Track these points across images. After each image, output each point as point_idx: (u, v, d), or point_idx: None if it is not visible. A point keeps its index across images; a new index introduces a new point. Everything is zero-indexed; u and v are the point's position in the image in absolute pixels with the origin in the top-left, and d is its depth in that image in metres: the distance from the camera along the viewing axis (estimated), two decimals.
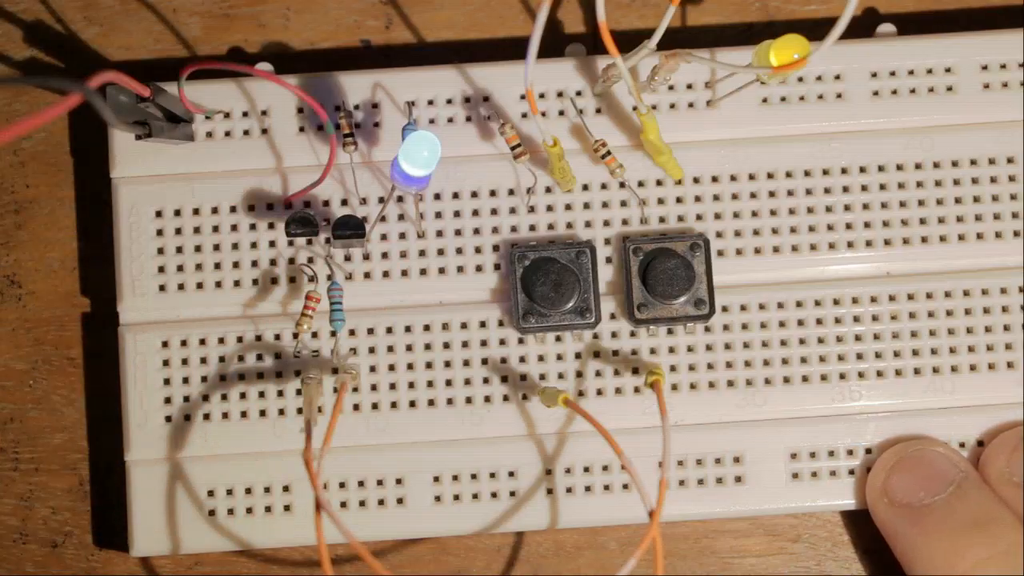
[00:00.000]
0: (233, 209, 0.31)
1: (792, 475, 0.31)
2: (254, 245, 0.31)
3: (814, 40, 0.26)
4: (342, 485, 0.31)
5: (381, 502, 0.31)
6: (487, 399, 0.31)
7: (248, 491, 0.31)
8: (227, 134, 0.32)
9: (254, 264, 0.31)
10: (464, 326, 0.31)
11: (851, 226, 0.31)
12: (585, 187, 0.31)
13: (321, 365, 0.31)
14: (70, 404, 0.33)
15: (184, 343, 0.31)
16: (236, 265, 0.31)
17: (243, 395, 0.31)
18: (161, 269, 0.31)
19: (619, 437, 0.28)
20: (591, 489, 0.31)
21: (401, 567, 0.32)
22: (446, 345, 0.31)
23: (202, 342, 0.31)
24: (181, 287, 0.31)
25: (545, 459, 0.31)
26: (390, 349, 0.31)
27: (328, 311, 0.30)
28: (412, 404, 0.31)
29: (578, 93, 0.32)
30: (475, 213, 0.31)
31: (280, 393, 0.31)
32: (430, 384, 0.31)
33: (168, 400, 0.31)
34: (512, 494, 0.31)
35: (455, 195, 0.31)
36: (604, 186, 0.31)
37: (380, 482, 0.31)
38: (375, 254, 0.31)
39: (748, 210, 0.31)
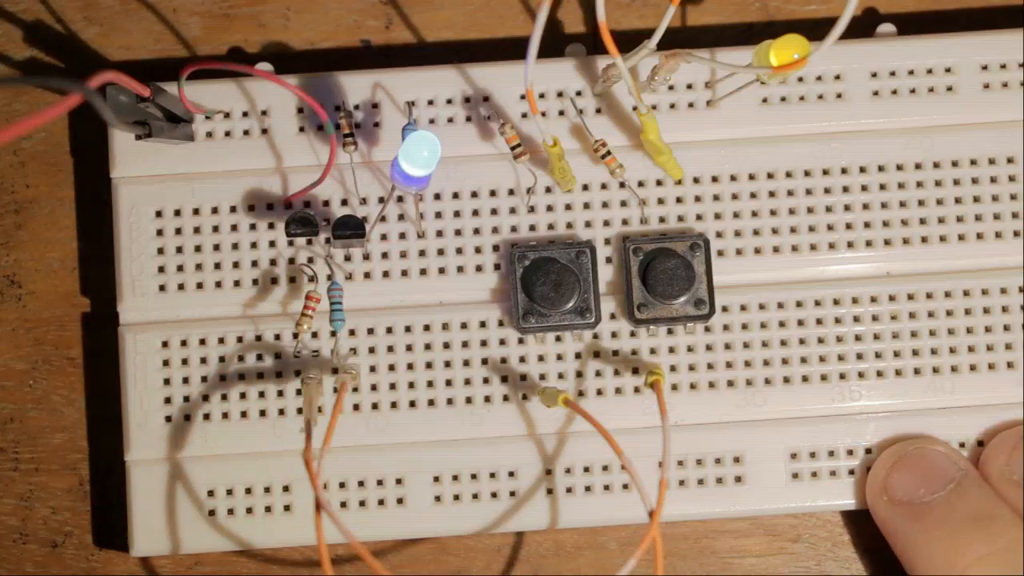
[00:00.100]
0: (233, 209, 0.31)
1: (792, 475, 0.31)
2: (254, 245, 0.31)
3: (814, 40, 0.26)
4: (342, 485, 0.31)
5: (381, 502, 0.31)
6: (487, 399, 0.31)
7: (248, 491, 0.31)
8: (227, 134, 0.32)
9: (254, 264, 0.31)
10: (464, 326, 0.31)
11: (851, 226, 0.31)
12: (585, 187, 0.31)
13: (321, 365, 0.31)
14: (70, 404, 0.33)
15: (184, 343, 0.31)
16: (236, 265, 0.31)
17: (243, 395, 0.31)
18: (161, 269, 0.31)
19: (619, 437, 0.28)
20: (591, 489, 0.31)
21: (401, 567, 0.32)
22: (446, 345, 0.31)
23: (202, 342, 0.31)
24: (181, 287, 0.31)
25: (545, 459, 0.31)
26: (390, 349, 0.31)
27: (328, 311, 0.30)
28: (412, 404, 0.31)
29: (578, 93, 0.32)
30: (475, 213, 0.31)
31: (280, 393, 0.31)
32: (430, 384, 0.31)
33: (168, 400, 0.31)
34: (512, 494, 0.31)
35: (455, 195, 0.31)
36: (604, 186, 0.31)
37: (380, 482, 0.31)
38: (375, 254, 0.31)
39: (748, 210, 0.31)
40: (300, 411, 0.31)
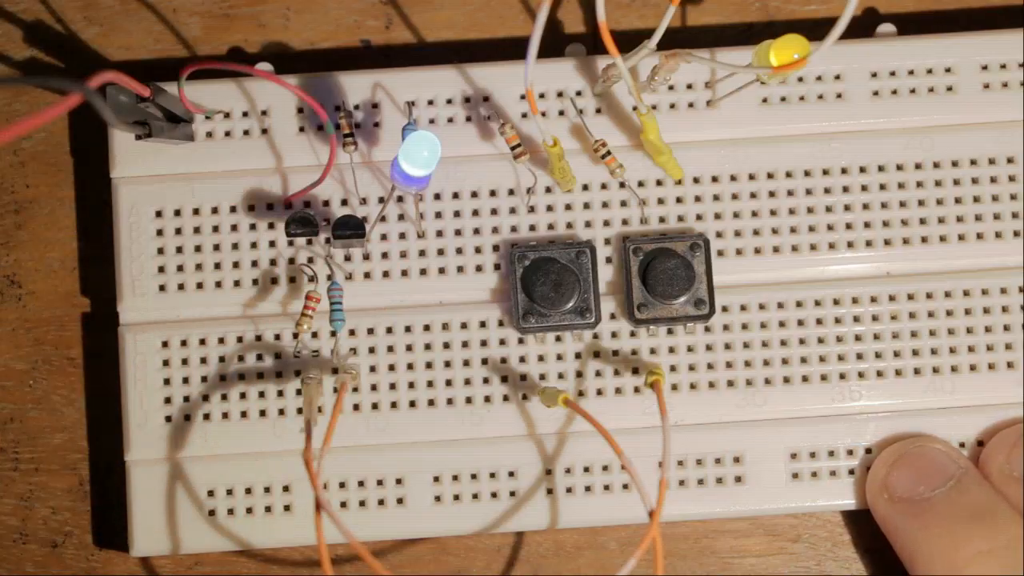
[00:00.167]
0: (233, 209, 0.31)
1: (792, 475, 0.31)
2: (254, 245, 0.31)
3: (814, 40, 0.26)
4: (342, 485, 0.31)
5: (381, 502, 0.31)
6: (487, 399, 0.31)
7: (248, 491, 0.31)
8: (227, 134, 0.32)
9: (254, 264, 0.31)
10: (464, 326, 0.31)
11: (851, 226, 0.31)
12: (585, 187, 0.31)
13: (321, 365, 0.31)
14: (70, 404, 0.33)
15: (184, 343, 0.31)
16: (236, 265, 0.31)
17: (243, 395, 0.31)
18: (161, 269, 0.31)
19: (619, 437, 0.28)
20: (591, 489, 0.31)
21: (401, 567, 0.32)
22: (446, 345, 0.31)
23: (202, 342, 0.31)
24: (181, 287, 0.31)
25: (545, 459, 0.31)
26: (390, 349, 0.31)
27: (328, 311, 0.30)
28: (412, 404, 0.31)
29: (578, 93, 0.32)
30: (475, 213, 0.31)
31: (280, 393, 0.31)
32: (430, 384, 0.31)
33: (168, 400, 0.31)
34: (512, 494, 0.31)
35: (455, 195, 0.31)
36: (604, 186, 0.31)
37: (380, 482, 0.31)
38: (375, 254, 0.31)
39: (748, 210, 0.31)
40: (300, 411, 0.31)
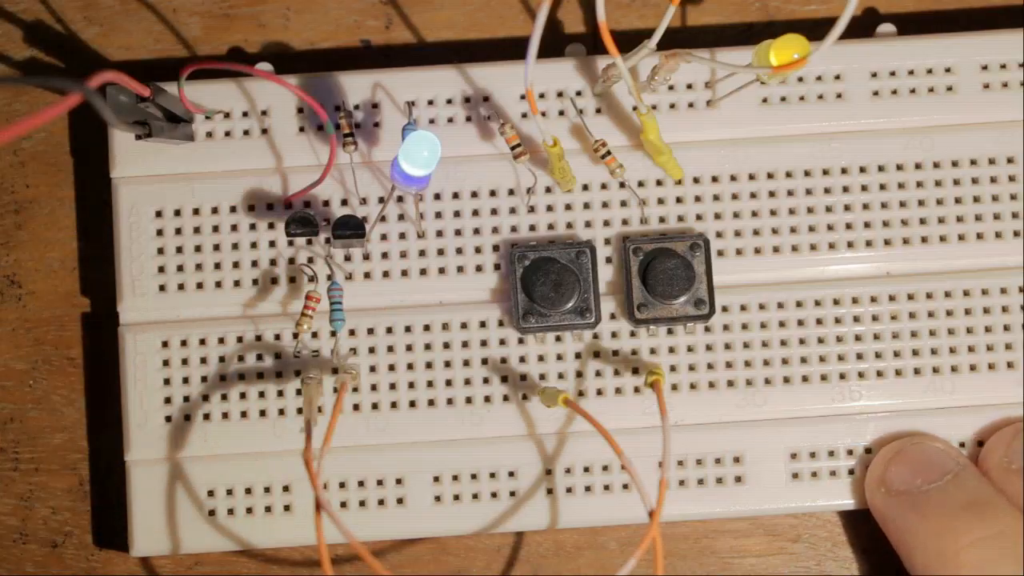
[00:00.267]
0: (233, 209, 0.31)
1: (792, 475, 0.31)
2: (254, 245, 0.31)
3: (814, 40, 0.26)
4: (342, 485, 0.31)
5: (381, 502, 0.31)
6: (487, 399, 0.31)
7: (248, 491, 0.31)
8: (227, 134, 0.32)
9: (254, 264, 0.31)
10: (464, 326, 0.31)
11: (851, 226, 0.31)
12: (585, 187, 0.31)
13: (321, 365, 0.31)
14: (70, 404, 0.33)
15: (184, 343, 0.31)
16: (236, 265, 0.31)
17: (243, 395, 0.31)
18: (161, 269, 0.31)
19: (619, 437, 0.28)
20: (591, 489, 0.31)
21: (401, 567, 0.32)
22: (446, 345, 0.31)
23: (202, 342, 0.31)
24: (181, 287, 0.31)
25: (545, 459, 0.31)
26: (390, 349, 0.31)
27: (328, 311, 0.30)
28: (412, 404, 0.31)
29: (578, 93, 0.32)
30: (475, 213, 0.31)
31: (280, 393, 0.31)
32: (430, 384, 0.31)
33: (168, 400, 0.31)
34: (512, 494, 0.31)
35: (455, 195, 0.31)
36: (604, 186, 0.31)
37: (380, 482, 0.31)
38: (375, 254, 0.31)
39: (748, 210, 0.31)
40: (300, 411, 0.31)
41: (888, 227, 0.31)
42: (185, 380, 0.31)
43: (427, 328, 0.31)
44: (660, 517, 0.27)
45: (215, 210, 0.31)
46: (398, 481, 0.31)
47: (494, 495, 0.31)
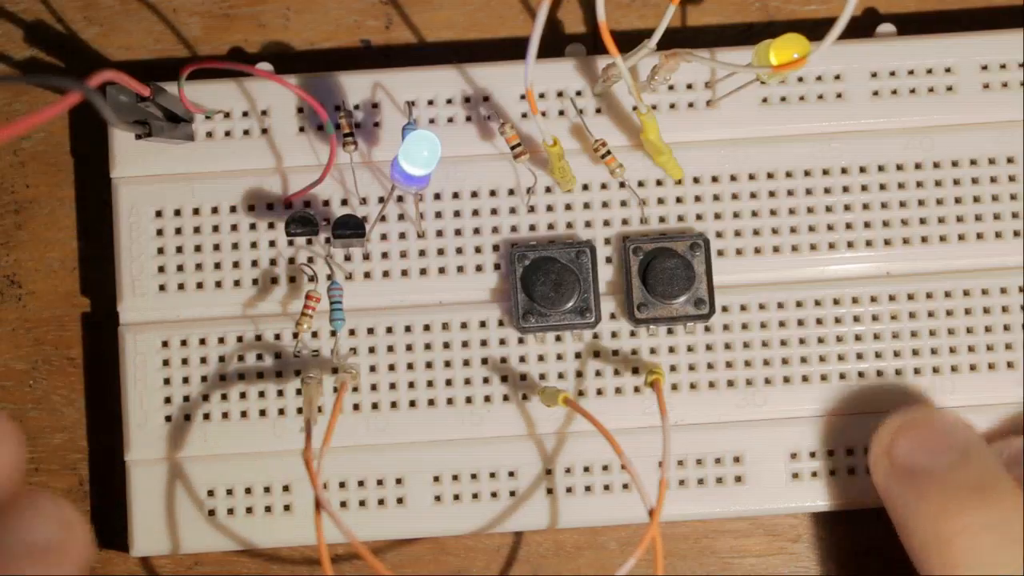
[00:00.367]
0: (233, 209, 0.31)
1: (792, 475, 0.31)
2: (254, 245, 0.31)
3: (814, 40, 0.26)
4: (342, 485, 0.31)
5: (381, 502, 0.31)
6: (487, 399, 0.31)
7: (248, 491, 0.31)
8: (227, 134, 0.32)
9: (254, 264, 0.31)
10: (464, 326, 0.31)
11: (851, 226, 0.31)
12: (585, 187, 0.31)
13: (321, 365, 0.31)
14: (70, 404, 0.33)
15: (184, 343, 0.31)
16: (236, 265, 0.31)
17: (243, 395, 0.31)
18: (161, 269, 0.31)
19: (619, 437, 0.28)
20: (591, 489, 0.31)
21: (401, 567, 0.32)
22: (446, 345, 0.31)
23: (202, 342, 0.31)
24: (181, 287, 0.31)
25: (545, 459, 0.31)
26: (390, 349, 0.31)
27: (328, 311, 0.30)
28: (412, 404, 0.31)
29: (578, 93, 0.32)
30: (475, 213, 0.31)
31: (280, 393, 0.31)
32: (430, 384, 0.31)
33: (168, 400, 0.31)
34: (512, 494, 0.31)
35: (455, 195, 0.31)
36: (604, 186, 0.31)
37: (380, 482, 0.31)
38: (375, 254, 0.31)
39: (748, 210, 0.31)
40: (300, 411, 0.31)
41: (888, 227, 0.31)
42: (185, 380, 0.31)
43: (427, 328, 0.31)
44: (660, 517, 0.27)
45: (215, 210, 0.31)
46: (398, 481, 0.31)
47: (494, 495, 0.31)
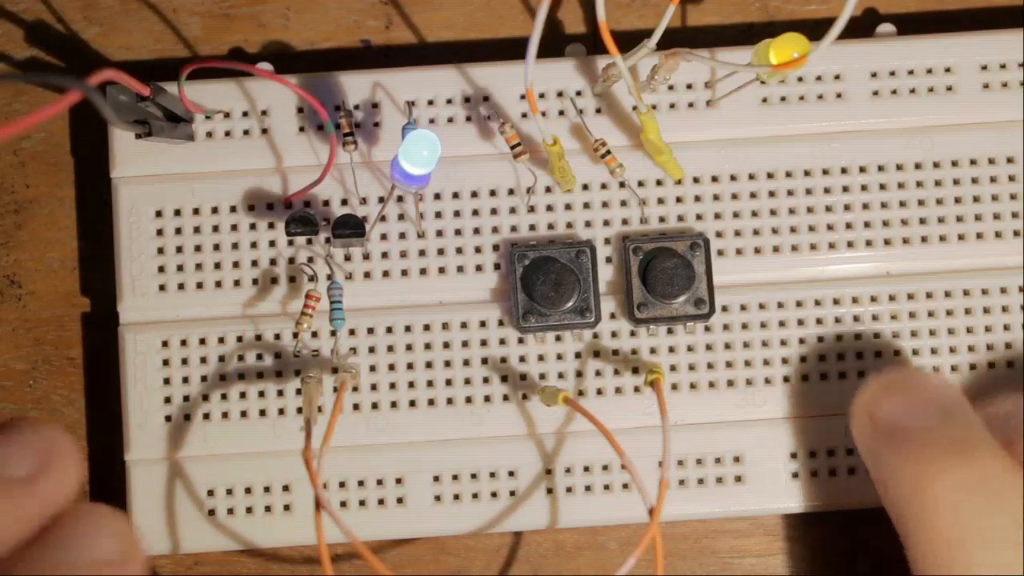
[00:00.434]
0: (233, 209, 0.31)
1: (792, 475, 0.31)
2: (254, 245, 0.31)
3: (814, 40, 0.26)
4: (342, 485, 0.31)
5: (381, 502, 0.31)
6: (487, 399, 0.31)
7: (248, 491, 0.31)
8: (227, 134, 0.32)
9: (254, 264, 0.31)
10: (464, 326, 0.31)
11: (851, 226, 0.31)
12: (585, 187, 0.31)
13: (321, 365, 0.31)
14: (70, 404, 0.33)
15: (184, 343, 0.31)
16: (236, 265, 0.31)
17: (243, 395, 0.31)
18: (161, 269, 0.31)
19: (619, 437, 0.28)
20: (591, 489, 0.31)
21: (401, 567, 0.32)
22: (446, 345, 0.31)
23: (202, 342, 0.31)
24: (181, 287, 0.31)
25: (545, 459, 0.31)
26: (390, 349, 0.31)
27: (328, 311, 0.30)
28: (412, 404, 0.31)
29: (578, 93, 0.32)
30: (475, 213, 0.31)
31: (280, 393, 0.31)
32: (430, 384, 0.31)
33: (168, 400, 0.31)
34: (512, 494, 0.31)
35: (455, 195, 0.31)
36: (604, 186, 0.31)
37: (380, 482, 0.31)
38: (375, 254, 0.31)
39: (748, 210, 0.31)
40: (300, 411, 0.31)
41: (888, 227, 0.31)
42: (185, 380, 0.31)
43: (427, 328, 0.31)
44: (660, 517, 0.27)
45: (215, 210, 0.31)
46: (398, 481, 0.31)
47: (494, 495, 0.31)
